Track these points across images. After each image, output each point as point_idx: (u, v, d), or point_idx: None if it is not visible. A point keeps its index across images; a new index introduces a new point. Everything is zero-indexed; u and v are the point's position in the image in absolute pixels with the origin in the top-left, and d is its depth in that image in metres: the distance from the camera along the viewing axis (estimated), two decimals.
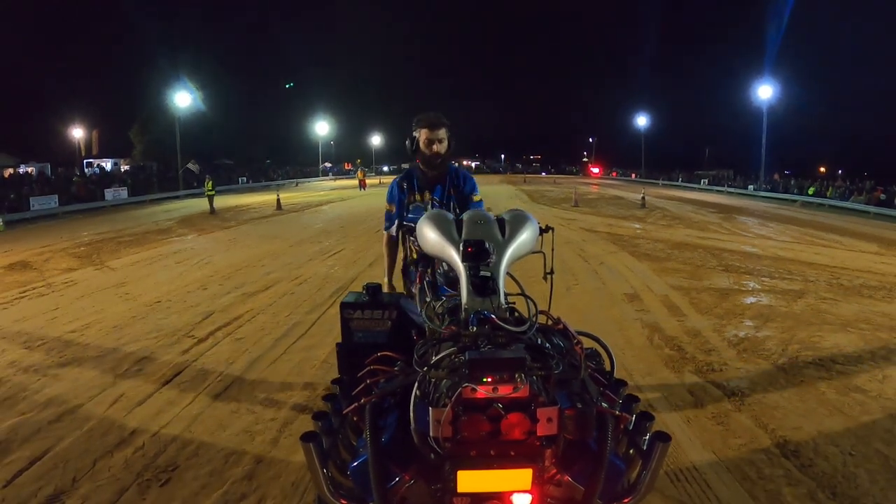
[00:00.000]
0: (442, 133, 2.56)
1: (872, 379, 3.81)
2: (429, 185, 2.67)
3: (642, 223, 14.04)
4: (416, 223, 2.54)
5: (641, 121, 52.34)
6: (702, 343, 4.55)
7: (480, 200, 2.72)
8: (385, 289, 2.75)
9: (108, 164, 37.33)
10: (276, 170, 43.70)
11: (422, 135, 2.56)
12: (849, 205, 21.92)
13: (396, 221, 2.71)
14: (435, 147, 2.56)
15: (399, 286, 2.77)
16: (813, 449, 2.87)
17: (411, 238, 2.62)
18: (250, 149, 46.69)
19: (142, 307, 5.83)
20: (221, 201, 20.90)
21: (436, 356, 1.31)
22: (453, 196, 2.68)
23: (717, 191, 32.42)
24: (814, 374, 3.90)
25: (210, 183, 18.54)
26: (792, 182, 28.39)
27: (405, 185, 2.70)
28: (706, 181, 36.03)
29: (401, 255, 2.80)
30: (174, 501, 2.44)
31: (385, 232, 2.80)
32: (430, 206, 2.61)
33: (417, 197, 2.67)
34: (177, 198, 25.68)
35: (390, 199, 2.75)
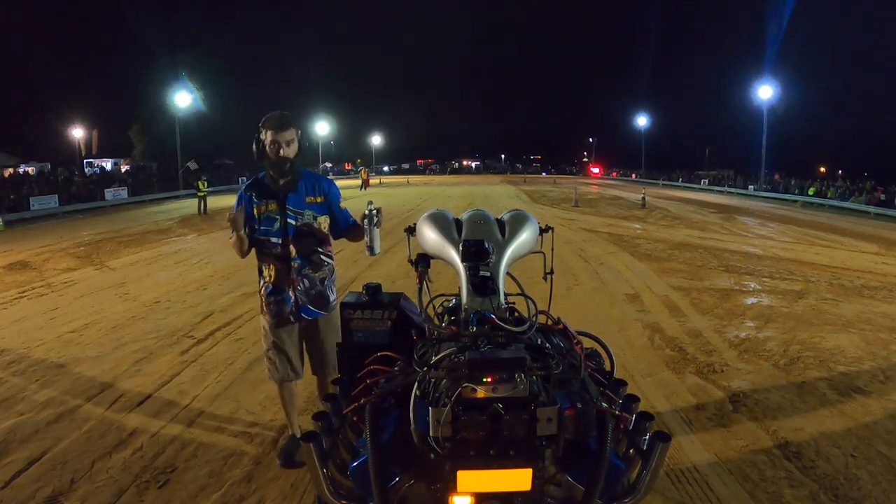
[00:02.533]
0: (290, 134, 2.35)
1: (874, 380, 3.79)
2: (281, 193, 2.42)
3: (642, 223, 14.03)
4: (268, 235, 2.41)
5: (641, 121, 52.37)
6: (703, 344, 4.54)
7: (346, 209, 2.56)
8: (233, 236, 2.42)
9: (108, 164, 37.39)
10: None
11: (267, 136, 2.33)
12: (849, 205, 21.90)
13: (242, 235, 2.42)
14: (282, 151, 2.33)
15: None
16: (814, 450, 2.86)
17: (264, 252, 2.43)
18: (250, 149, 46.58)
19: (141, 307, 5.82)
20: (222, 201, 20.88)
21: (436, 356, 1.31)
22: (314, 204, 2.45)
23: (718, 191, 32.41)
24: (815, 374, 3.88)
25: (203, 183, 18.07)
26: (792, 182, 28.38)
27: (254, 195, 2.44)
28: (706, 181, 36.02)
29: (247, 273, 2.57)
30: (173, 503, 2.43)
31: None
32: (282, 217, 2.40)
33: (270, 206, 2.42)
34: (177, 198, 25.67)
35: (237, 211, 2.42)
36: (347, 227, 2.56)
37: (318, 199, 2.48)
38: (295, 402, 2.79)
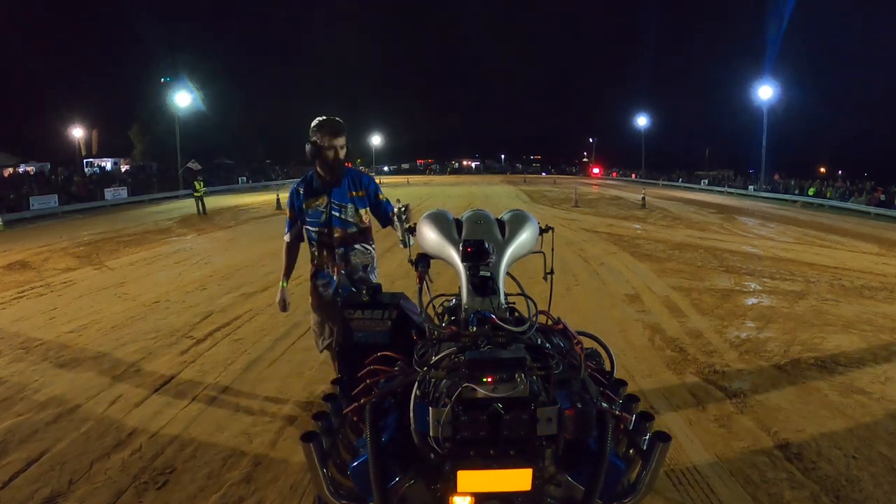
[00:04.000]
0: (342, 140, 2.65)
1: (875, 381, 3.79)
2: (326, 189, 2.71)
3: (643, 223, 14.03)
4: (316, 226, 2.72)
5: (641, 121, 52.39)
6: (703, 344, 4.53)
7: (387, 200, 2.78)
8: (279, 295, 2.89)
9: (108, 164, 37.41)
10: (276, 169, 43.72)
11: (325, 141, 2.62)
12: (849, 205, 21.88)
13: (293, 228, 2.80)
14: (336, 153, 2.64)
15: (295, 291, 2.90)
16: (816, 451, 2.85)
17: (313, 247, 2.76)
18: (250, 149, 46.73)
19: (140, 307, 5.81)
20: (222, 201, 20.90)
21: (436, 356, 1.30)
22: (356, 198, 2.73)
23: (718, 191, 32.42)
24: (816, 375, 3.88)
25: (200, 184, 17.80)
26: (792, 182, 28.38)
27: (302, 191, 2.76)
28: (706, 181, 36.03)
29: (305, 260, 2.86)
30: None
31: (283, 238, 2.86)
32: (328, 209, 2.69)
33: (318, 201, 2.72)
34: (177, 197, 25.65)
35: (289, 206, 2.81)
36: (388, 219, 2.74)
37: (360, 194, 2.75)
38: None
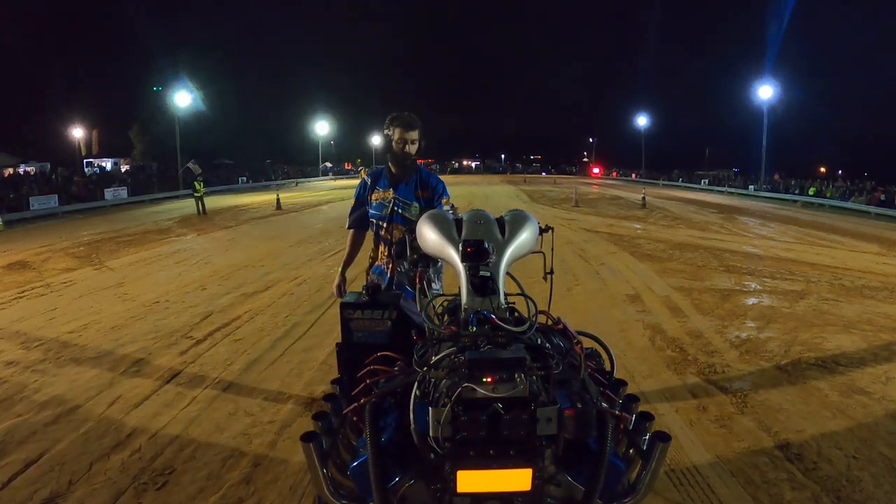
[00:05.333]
0: (415, 134, 2.62)
1: (875, 381, 3.78)
2: (393, 184, 2.70)
3: (643, 223, 14.02)
4: (377, 218, 2.71)
5: (641, 121, 52.33)
6: (704, 344, 4.52)
7: (451, 204, 2.71)
8: (336, 280, 2.84)
9: (108, 164, 37.41)
10: (276, 169, 43.73)
11: (396, 134, 2.60)
12: (849, 205, 21.87)
13: (353, 215, 2.82)
14: (407, 147, 2.62)
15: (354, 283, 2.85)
16: (816, 452, 2.84)
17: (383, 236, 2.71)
18: (250, 149, 46.75)
19: (140, 307, 5.81)
20: (222, 201, 20.91)
21: (435, 356, 1.30)
22: (422, 198, 2.68)
23: (718, 191, 32.42)
24: (816, 375, 3.87)
25: (199, 184, 17.72)
26: (792, 182, 28.39)
27: (370, 181, 2.76)
28: (706, 181, 36.03)
29: (367, 252, 2.85)
30: None
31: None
32: (391, 204, 2.67)
33: (385, 194, 2.70)
34: (177, 198, 25.64)
35: (355, 194, 2.83)
36: None
37: (426, 194, 2.69)
38: None
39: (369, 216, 2.75)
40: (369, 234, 2.87)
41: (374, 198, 2.72)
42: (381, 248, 2.74)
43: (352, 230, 2.86)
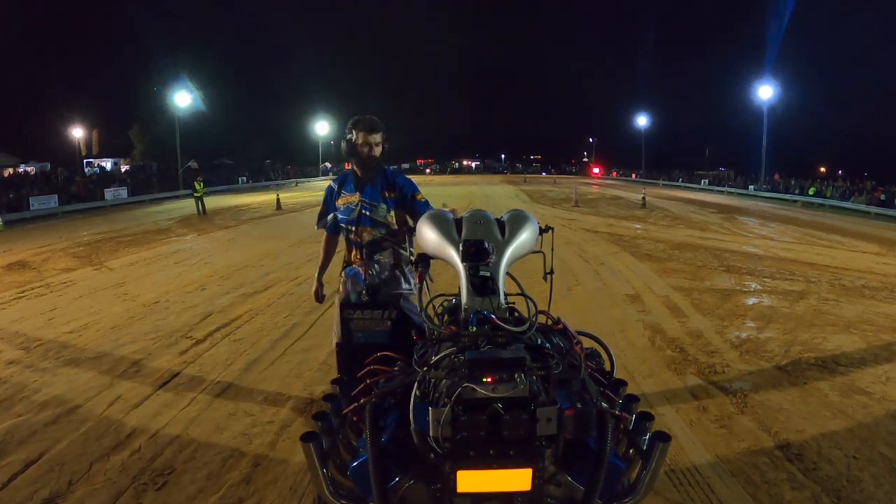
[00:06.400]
0: (378, 137, 2.63)
1: (875, 381, 3.78)
2: (360, 187, 2.70)
3: (643, 223, 14.02)
4: (345, 223, 2.71)
5: (642, 121, 52.31)
6: (704, 344, 4.52)
7: (426, 200, 2.70)
8: (314, 286, 2.92)
9: (108, 164, 37.39)
10: (276, 169, 43.72)
11: (359, 138, 2.61)
12: (849, 205, 21.87)
13: (321, 221, 2.85)
14: (372, 150, 2.62)
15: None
16: (816, 452, 2.84)
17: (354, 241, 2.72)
18: (250, 149, 46.70)
19: (140, 308, 5.81)
20: (222, 201, 20.90)
21: (436, 356, 1.30)
22: (389, 199, 2.68)
23: (718, 191, 32.41)
24: (816, 375, 3.87)
25: (199, 184, 17.64)
26: (792, 182, 28.37)
27: (337, 187, 2.78)
28: (707, 181, 36.02)
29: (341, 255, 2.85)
30: None
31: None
32: (358, 207, 2.68)
33: (351, 198, 2.70)
34: (177, 197, 25.64)
35: (323, 200, 2.84)
36: None
37: (393, 195, 2.69)
38: None
39: (338, 221, 2.77)
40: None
41: (340, 202, 2.73)
42: (354, 252, 2.76)
43: (325, 235, 2.89)
